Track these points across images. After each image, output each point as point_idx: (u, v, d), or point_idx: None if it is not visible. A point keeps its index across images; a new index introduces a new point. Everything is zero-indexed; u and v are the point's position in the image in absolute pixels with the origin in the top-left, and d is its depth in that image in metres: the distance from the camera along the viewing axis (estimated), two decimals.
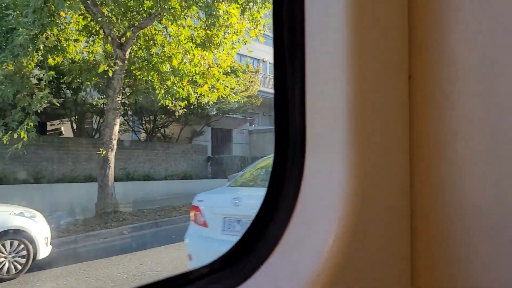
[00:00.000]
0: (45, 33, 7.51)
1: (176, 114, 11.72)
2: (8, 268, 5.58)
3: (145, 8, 8.51)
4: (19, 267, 5.68)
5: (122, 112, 10.14)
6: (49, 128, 15.08)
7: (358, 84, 0.83)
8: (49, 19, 7.40)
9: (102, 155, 9.16)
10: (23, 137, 8.17)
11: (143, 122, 14.51)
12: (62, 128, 15.73)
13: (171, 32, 9.66)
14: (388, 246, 0.90)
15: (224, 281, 0.91)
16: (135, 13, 8.78)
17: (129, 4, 8.36)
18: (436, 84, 0.88)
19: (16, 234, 5.72)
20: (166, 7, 7.91)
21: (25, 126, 8.16)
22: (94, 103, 9.59)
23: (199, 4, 8.05)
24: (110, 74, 8.49)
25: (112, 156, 9.32)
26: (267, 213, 0.95)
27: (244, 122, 17.61)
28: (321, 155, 0.88)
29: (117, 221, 9.00)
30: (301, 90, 0.90)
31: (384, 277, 0.89)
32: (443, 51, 0.87)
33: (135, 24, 8.85)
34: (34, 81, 8.94)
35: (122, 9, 8.45)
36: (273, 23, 0.96)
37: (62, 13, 7.42)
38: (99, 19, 8.60)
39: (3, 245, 5.58)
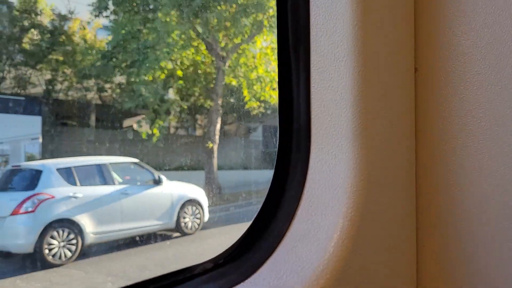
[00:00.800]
0: (183, 51, 9.71)
1: (252, 113, 13.89)
2: (191, 226, 7.75)
3: (253, 31, 10.72)
4: (196, 226, 7.85)
5: (222, 113, 12.31)
6: (124, 125, 17.25)
7: (363, 77, 0.82)
8: (189, 41, 9.60)
9: (209, 147, 11.34)
10: (156, 133, 10.39)
11: None
12: (134, 126, 17.95)
13: (259, 46, 11.84)
14: (393, 241, 0.90)
15: (229, 276, 0.92)
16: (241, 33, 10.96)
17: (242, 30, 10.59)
18: (442, 76, 0.87)
19: (194, 202, 7.90)
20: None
21: (157, 125, 10.37)
22: (206, 105, 11.76)
23: None
24: (234, 83, 10.67)
25: (215, 148, 11.50)
26: (271, 208, 0.96)
27: None
28: (326, 149, 0.87)
29: (222, 200, 11.19)
30: (306, 84, 0.89)
31: (389, 272, 0.90)
32: (449, 44, 0.86)
33: (239, 42, 11.06)
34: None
35: (234, 31, 10.63)
36: (277, 15, 0.95)
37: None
38: (207, 38, 10.76)
39: (187, 209, 7.75)
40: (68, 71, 12.14)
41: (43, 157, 10.14)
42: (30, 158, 10.08)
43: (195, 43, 11.70)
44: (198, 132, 16.55)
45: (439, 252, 0.89)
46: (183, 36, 9.49)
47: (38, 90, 12.33)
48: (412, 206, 0.91)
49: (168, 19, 9.69)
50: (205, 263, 0.93)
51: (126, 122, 12.41)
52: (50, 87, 12.36)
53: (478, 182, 0.83)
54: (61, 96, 12.71)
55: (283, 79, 0.94)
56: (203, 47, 11.66)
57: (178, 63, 10.65)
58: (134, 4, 10.62)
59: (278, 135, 0.96)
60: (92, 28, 12.78)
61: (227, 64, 11.36)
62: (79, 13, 12.29)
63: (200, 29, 9.38)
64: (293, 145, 0.93)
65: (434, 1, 0.87)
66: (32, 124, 10.13)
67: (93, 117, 13.15)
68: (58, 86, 12.50)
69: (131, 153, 10.70)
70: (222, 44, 11.13)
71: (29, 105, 10.55)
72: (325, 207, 0.85)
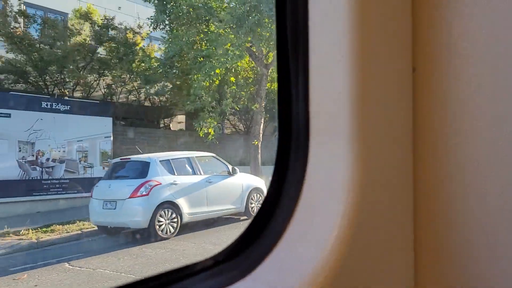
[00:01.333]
0: (239, 62, 11.14)
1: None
2: (256, 211, 9.15)
3: None
4: None
5: (264, 114, 13.73)
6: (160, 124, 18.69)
7: (361, 77, 0.83)
8: (244, 52, 11.02)
9: (255, 144, 12.78)
10: (211, 132, 11.81)
11: (242, 120, 18.15)
12: (171, 125, 19.45)
13: None
14: (391, 240, 0.91)
15: (229, 273, 0.93)
16: None
17: None
18: (440, 76, 0.88)
19: (258, 190, 9.31)
20: None
21: (211, 124, 11.80)
22: (253, 108, 13.18)
23: None
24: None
25: (259, 145, 12.93)
26: (271, 207, 0.97)
27: None
28: (325, 148, 0.88)
29: None
30: (305, 83, 0.89)
31: (387, 271, 0.91)
32: (447, 44, 0.87)
33: None
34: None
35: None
36: (276, 16, 0.96)
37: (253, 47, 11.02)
38: (251, 47, 12.18)
39: (253, 196, 9.17)
40: (131, 77, 13.54)
41: (115, 153, 11.56)
42: (104, 154, 11.51)
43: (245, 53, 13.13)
44: (244, 131, 18.00)
45: (437, 251, 0.90)
46: (240, 47, 10.91)
47: (100, 94, 13.75)
48: (410, 206, 0.93)
49: (223, 32, 11.13)
50: (205, 261, 0.95)
51: (174, 124, 13.82)
52: (114, 92, 13.79)
53: (476, 182, 0.84)
54: (123, 99, 14.13)
55: (282, 79, 0.96)
56: (247, 57, 13.10)
57: (232, 70, 12.08)
58: (191, 19, 12.04)
59: (278, 135, 0.99)
60: (142, 37, 14.18)
61: (269, 71, 12.77)
62: (144, 26, 13.69)
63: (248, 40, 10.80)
64: (292, 145, 0.95)
65: (432, 2, 0.88)
66: (105, 124, 11.55)
67: (152, 118, 14.57)
68: (121, 90, 13.92)
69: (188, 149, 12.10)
70: (265, 52, 12.54)
71: (102, 108, 11.97)
72: (324, 206, 0.86)
